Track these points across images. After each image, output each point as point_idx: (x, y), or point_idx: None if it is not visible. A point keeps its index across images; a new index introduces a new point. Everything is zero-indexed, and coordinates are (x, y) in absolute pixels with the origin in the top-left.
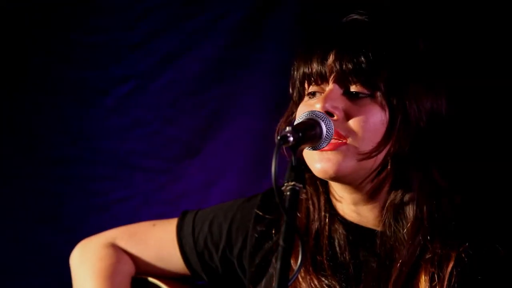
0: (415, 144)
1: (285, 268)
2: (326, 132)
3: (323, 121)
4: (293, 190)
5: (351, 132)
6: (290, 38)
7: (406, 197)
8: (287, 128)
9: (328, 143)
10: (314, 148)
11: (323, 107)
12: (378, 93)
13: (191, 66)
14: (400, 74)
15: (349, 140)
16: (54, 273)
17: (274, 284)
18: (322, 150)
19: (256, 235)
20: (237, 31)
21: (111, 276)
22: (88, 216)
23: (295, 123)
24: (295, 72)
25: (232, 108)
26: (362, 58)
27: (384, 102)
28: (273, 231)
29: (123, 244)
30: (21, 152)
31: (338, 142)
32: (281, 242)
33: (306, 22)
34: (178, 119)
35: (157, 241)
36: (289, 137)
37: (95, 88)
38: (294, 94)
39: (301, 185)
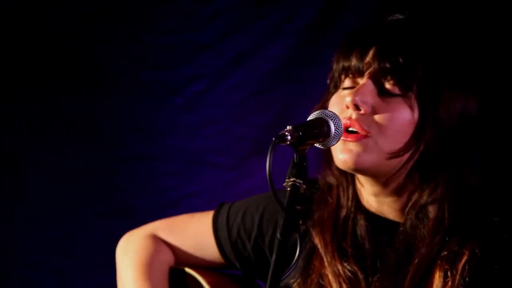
0: (444, 146)
1: (280, 260)
2: (335, 130)
3: (332, 120)
4: (293, 186)
5: (374, 127)
6: None
7: (430, 197)
8: (287, 127)
9: (338, 141)
10: (324, 146)
11: (353, 100)
12: (410, 94)
13: (260, 66)
14: (435, 76)
15: (370, 135)
16: None
17: (269, 275)
18: (346, 140)
19: None
20: (306, 30)
21: (150, 265)
22: (159, 210)
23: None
24: (335, 65)
25: (300, 107)
26: (400, 58)
27: (415, 103)
28: (300, 221)
29: (163, 235)
30: (96, 149)
31: (360, 135)
32: (278, 235)
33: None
34: (247, 117)
35: (194, 231)
36: (286, 136)
37: (167, 88)
38: (331, 85)
39: (301, 181)
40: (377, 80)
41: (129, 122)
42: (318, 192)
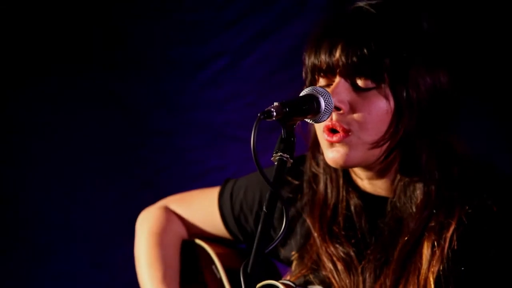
0: (420, 123)
1: (265, 232)
2: (325, 106)
3: (322, 96)
4: (280, 160)
5: (354, 125)
6: None
7: (415, 174)
8: (274, 103)
9: (329, 117)
10: (316, 121)
11: None
12: (383, 85)
13: (284, 41)
14: (403, 61)
15: (352, 133)
16: None
17: (254, 246)
18: (331, 141)
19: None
20: (329, 5)
21: (161, 233)
22: (185, 184)
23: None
24: (306, 60)
25: None
26: (365, 51)
27: (388, 92)
28: (299, 196)
29: (174, 207)
30: (123, 123)
31: (343, 135)
32: (264, 208)
33: None
34: (271, 92)
35: (202, 205)
36: (272, 112)
37: (192, 63)
38: (307, 81)
39: (287, 156)
40: (349, 76)
41: (156, 97)
42: (305, 178)
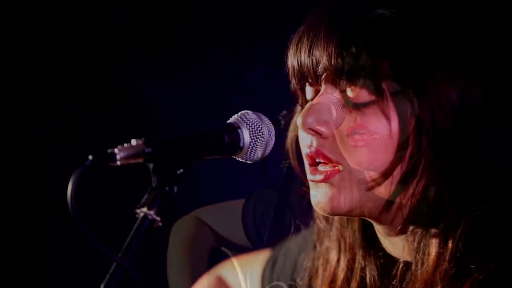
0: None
1: None
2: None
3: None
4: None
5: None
6: None
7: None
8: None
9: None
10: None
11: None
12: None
13: None
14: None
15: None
16: None
17: None
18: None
19: None
20: None
21: (191, 243)
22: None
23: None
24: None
25: None
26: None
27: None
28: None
29: (206, 219)
30: (164, 132)
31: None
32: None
33: None
34: None
35: (229, 217)
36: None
37: (230, 71)
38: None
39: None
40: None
41: (193, 104)
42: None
